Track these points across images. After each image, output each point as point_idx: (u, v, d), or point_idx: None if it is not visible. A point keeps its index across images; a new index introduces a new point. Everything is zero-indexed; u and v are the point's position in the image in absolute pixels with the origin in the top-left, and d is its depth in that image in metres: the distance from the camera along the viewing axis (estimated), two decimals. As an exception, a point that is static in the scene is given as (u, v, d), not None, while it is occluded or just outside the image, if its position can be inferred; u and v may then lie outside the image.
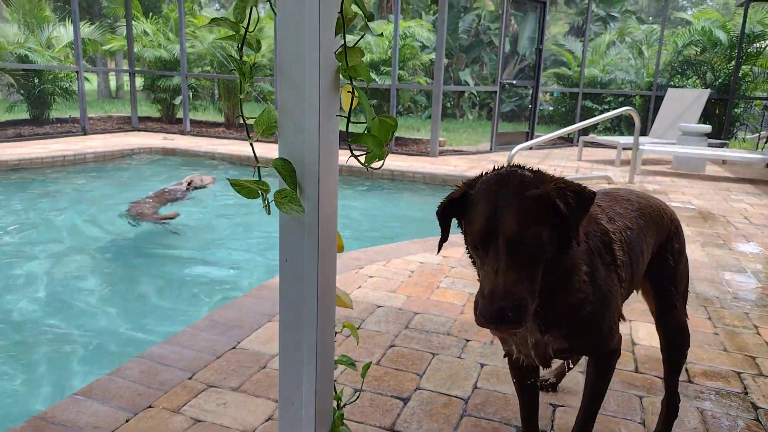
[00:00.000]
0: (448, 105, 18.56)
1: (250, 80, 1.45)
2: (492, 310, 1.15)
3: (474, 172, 1.37)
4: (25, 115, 11.05)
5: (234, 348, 2.40)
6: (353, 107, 1.43)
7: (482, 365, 2.35)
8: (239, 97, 1.50)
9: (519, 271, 1.18)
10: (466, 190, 1.31)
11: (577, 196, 1.25)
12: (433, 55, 11.60)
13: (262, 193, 1.38)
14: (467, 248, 1.35)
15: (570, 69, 13.80)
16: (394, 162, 8.09)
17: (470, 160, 8.83)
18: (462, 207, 1.32)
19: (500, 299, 1.15)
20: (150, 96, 12.69)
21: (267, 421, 1.90)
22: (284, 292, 1.44)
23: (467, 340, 2.58)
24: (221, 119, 12.61)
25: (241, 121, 11.28)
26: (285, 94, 1.37)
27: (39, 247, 4.48)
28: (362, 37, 1.39)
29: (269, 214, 1.42)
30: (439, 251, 1.45)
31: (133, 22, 11.54)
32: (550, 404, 2.08)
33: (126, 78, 16.30)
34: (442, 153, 9.47)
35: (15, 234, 4.82)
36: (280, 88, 1.38)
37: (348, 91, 1.43)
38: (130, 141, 9.29)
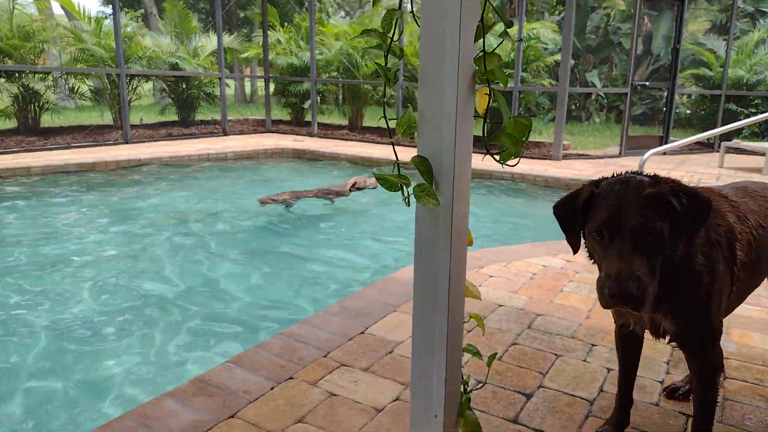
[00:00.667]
0: (573, 107, 17.92)
1: (394, 84, 1.58)
2: (620, 290, 1.28)
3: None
4: (174, 117, 12.24)
5: (362, 333, 2.57)
6: (489, 107, 1.51)
7: (609, 370, 2.33)
8: (382, 101, 1.64)
9: (642, 259, 1.32)
10: (592, 189, 1.46)
11: (691, 198, 1.36)
12: (557, 56, 11.31)
13: (403, 187, 1.50)
14: (587, 239, 1.47)
15: (711, 70, 12.79)
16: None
17: (596, 164, 8.51)
18: (587, 204, 1.45)
19: (627, 279, 1.28)
20: (281, 100, 13.53)
21: (395, 400, 2.03)
22: (418, 280, 1.56)
23: (593, 345, 2.55)
24: (345, 122, 13.15)
25: (365, 125, 11.69)
26: (425, 98, 1.49)
27: (186, 232, 5.01)
28: (501, 42, 1.47)
29: (408, 205, 1.54)
30: (575, 250, 1.54)
31: (269, 32, 12.38)
32: (681, 413, 2.02)
33: (260, 83, 17.43)
34: (565, 156, 9.21)
35: (169, 219, 5.41)
36: (421, 91, 1.49)
37: (485, 94, 1.51)
38: (264, 142, 10.00)
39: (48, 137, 9.33)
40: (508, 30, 1.49)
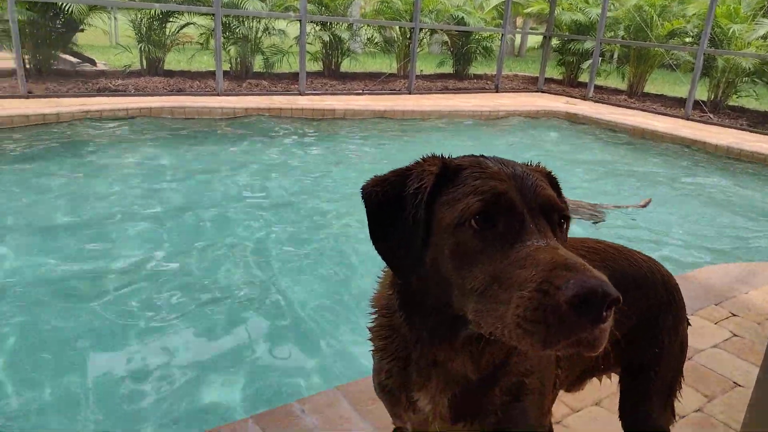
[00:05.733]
0: None
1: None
2: (597, 287, 0.76)
3: None
4: (450, 70, 12.78)
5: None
6: None
7: None
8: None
9: None
10: (442, 163, 1.04)
11: None
12: None
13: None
14: (446, 238, 1.01)
15: None
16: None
17: None
18: (439, 185, 1.05)
19: (592, 272, 0.79)
20: (555, 57, 13.13)
21: (696, 411, 2.02)
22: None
23: None
24: (623, 86, 12.28)
25: (645, 90, 10.58)
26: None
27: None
28: None
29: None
30: (406, 275, 1.05)
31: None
32: None
33: (533, 39, 16.94)
34: None
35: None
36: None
37: None
38: (535, 102, 9.93)
39: (346, 81, 10.57)
40: None
